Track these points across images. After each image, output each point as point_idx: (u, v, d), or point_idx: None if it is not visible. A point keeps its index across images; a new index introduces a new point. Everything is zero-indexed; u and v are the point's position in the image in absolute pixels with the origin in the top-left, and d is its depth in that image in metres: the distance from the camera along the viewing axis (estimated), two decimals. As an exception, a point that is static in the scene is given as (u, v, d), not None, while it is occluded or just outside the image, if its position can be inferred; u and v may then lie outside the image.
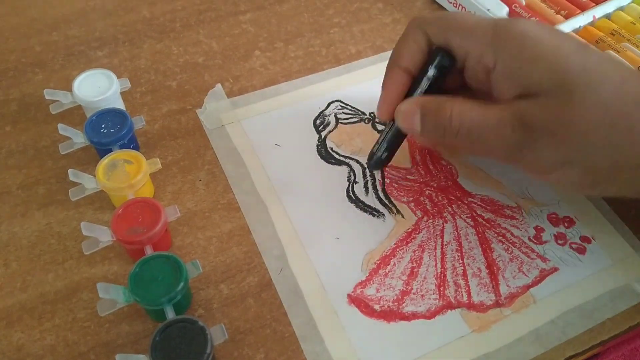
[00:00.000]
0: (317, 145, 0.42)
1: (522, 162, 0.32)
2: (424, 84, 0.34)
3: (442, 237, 0.37)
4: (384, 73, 0.36)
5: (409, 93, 0.35)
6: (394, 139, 0.36)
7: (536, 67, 0.30)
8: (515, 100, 0.31)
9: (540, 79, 0.30)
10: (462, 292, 0.35)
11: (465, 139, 0.32)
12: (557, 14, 0.49)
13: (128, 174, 0.36)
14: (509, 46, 0.32)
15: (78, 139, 0.39)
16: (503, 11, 0.49)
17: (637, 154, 0.30)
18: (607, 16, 0.50)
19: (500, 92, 0.32)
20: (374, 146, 0.37)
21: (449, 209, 0.38)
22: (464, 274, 0.35)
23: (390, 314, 0.34)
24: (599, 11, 0.49)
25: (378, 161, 0.37)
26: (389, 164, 0.37)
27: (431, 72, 0.34)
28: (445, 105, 0.33)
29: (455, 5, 0.52)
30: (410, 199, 0.39)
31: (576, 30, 0.48)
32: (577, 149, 0.30)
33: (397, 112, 0.34)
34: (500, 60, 0.32)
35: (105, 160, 0.37)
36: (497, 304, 0.34)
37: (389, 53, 0.37)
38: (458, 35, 0.34)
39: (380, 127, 0.43)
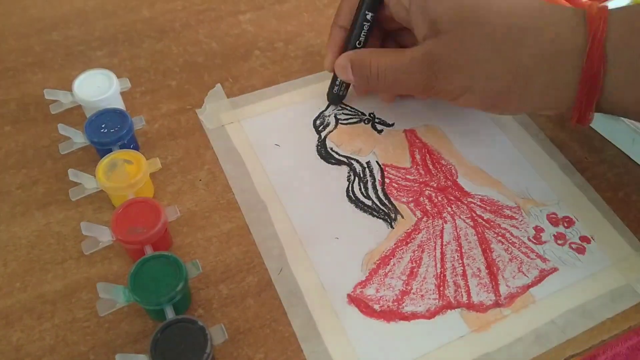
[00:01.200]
0: (317, 146, 0.42)
1: (433, 92, 0.37)
2: (364, 27, 0.40)
3: (441, 238, 0.37)
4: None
5: (347, 45, 0.41)
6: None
7: (439, 4, 0.35)
8: (424, 41, 0.36)
9: (442, 17, 0.34)
10: (461, 292, 0.35)
11: (384, 82, 0.38)
12: (556, 14, 0.49)
13: (128, 174, 0.36)
14: None
15: (78, 138, 0.39)
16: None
17: (523, 80, 0.33)
18: (607, 16, 0.50)
19: (417, 30, 0.36)
20: (331, 86, 0.43)
21: (449, 209, 0.38)
22: (464, 274, 0.35)
23: (390, 314, 0.34)
24: (598, 11, 0.49)
25: (336, 97, 0.44)
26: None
27: (369, 15, 0.39)
28: (367, 56, 0.39)
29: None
30: (410, 199, 0.39)
31: (576, 31, 0.48)
32: (471, 78, 0.34)
33: (335, 66, 0.41)
34: (413, 0, 0.36)
35: (105, 160, 0.37)
36: (497, 304, 0.34)
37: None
38: None
39: (380, 127, 0.43)
